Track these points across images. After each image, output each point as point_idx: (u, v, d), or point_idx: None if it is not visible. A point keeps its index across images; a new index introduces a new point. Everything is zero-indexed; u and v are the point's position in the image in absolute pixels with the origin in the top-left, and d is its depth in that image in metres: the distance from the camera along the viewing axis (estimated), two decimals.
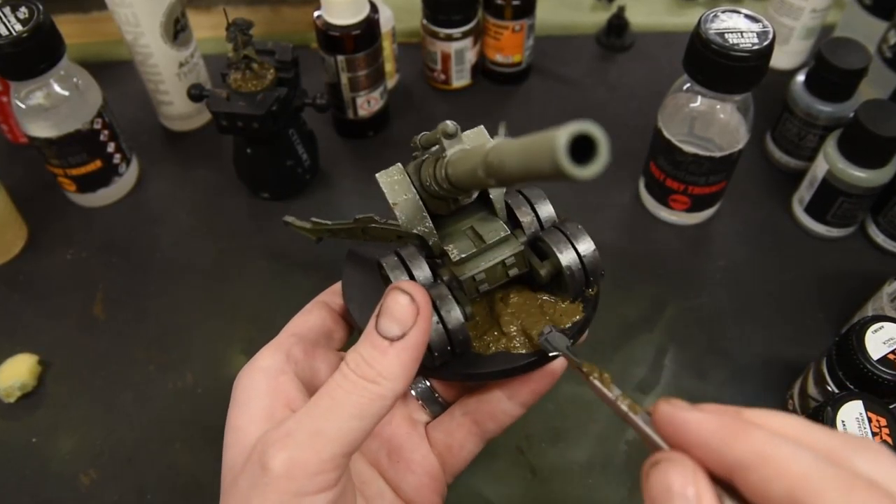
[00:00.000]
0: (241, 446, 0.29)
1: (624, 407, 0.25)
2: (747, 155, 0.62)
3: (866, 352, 0.44)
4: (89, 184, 0.62)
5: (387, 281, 0.32)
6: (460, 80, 0.72)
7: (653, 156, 0.60)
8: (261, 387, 0.30)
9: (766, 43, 0.49)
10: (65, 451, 0.51)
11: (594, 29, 0.78)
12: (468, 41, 0.68)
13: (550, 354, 0.31)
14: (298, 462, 0.26)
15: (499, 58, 0.71)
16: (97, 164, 0.61)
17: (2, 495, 0.49)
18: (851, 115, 0.55)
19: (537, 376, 0.34)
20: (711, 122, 0.56)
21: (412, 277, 0.32)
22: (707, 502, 0.21)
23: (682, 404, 0.23)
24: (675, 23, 0.78)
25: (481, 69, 0.73)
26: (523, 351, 0.33)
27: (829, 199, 0.58)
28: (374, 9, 0.61)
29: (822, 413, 0.41)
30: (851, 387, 0.45)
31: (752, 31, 0.50)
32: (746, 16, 0.51)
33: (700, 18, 0.51)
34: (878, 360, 0.44)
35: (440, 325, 0.30)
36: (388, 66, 0.68)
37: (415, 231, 0.32)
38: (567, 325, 0.33)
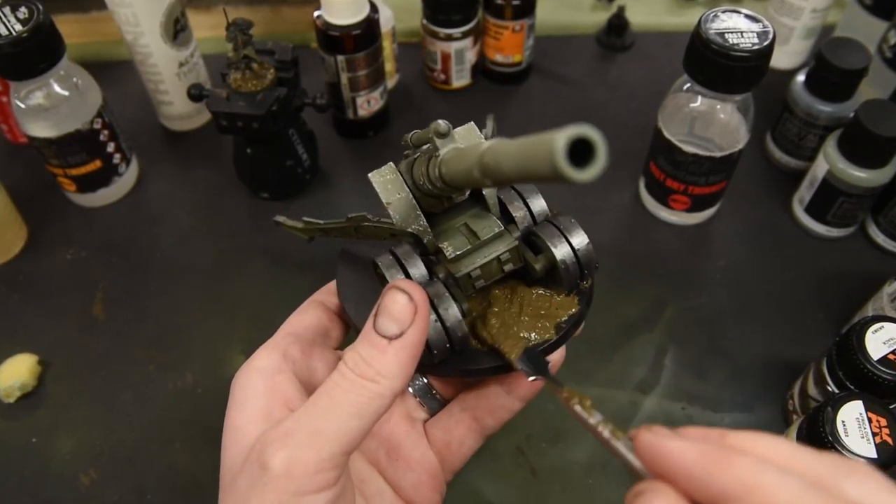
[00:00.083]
0: (239, 446, 0.29)
1: (606, 433, 0.25)
2: (747, 155, 0.62)
3: (866, 352, 0.44)
4: (89, 184, 0.62)
5: (382, 280, 0.32)
6: (460, 79, 0.72)
7: (653, 156, 0.60)
8: (258, 386, 0.30)
9: (766, 43, 0.49)
10: (65, 451, 0.51)
11: (594, 29, 0.78)
12: (468, 41, 0.68)
13: (530, 379, 0.31)
14: (298, 461, 0.26)
15: (499, 58, 0.71)
16: (97, 164, 0.61)
17: (2, 495, 0.49)
18: (852, 115, 0.55)
19: None
20: (711, 122, 0.56)
21: (408, 276, 0.32)
22: None
23: (663, 432, 0.22)
24: (675, 23, 0.78)
25: (481, 69, 0.73)
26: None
27: (829, 199, 0.58)
28: (374, 9, 0.61)
29: (823, 413, 0.41)
30: (851, 387, 0.45)
31: (752, 31, 0.50)
32: (746, 16, 0.51)
33: (700, 18, 0.51)
34: (879, 361, 0.44)
35: (438, 323, 0.30)
36: (388, 66, 0.68)
37: (409, 229, 0.33)
38: (563, 319, 0.33)
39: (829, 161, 0.57)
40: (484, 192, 0.34)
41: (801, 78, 0.62)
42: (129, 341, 0.56)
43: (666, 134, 0.56)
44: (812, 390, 0.48)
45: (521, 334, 0.33)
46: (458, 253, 0.32)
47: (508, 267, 0.33)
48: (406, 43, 0.75)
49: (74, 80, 0.58)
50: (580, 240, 0.32)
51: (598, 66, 0.75)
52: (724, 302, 0.58)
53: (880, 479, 0.20)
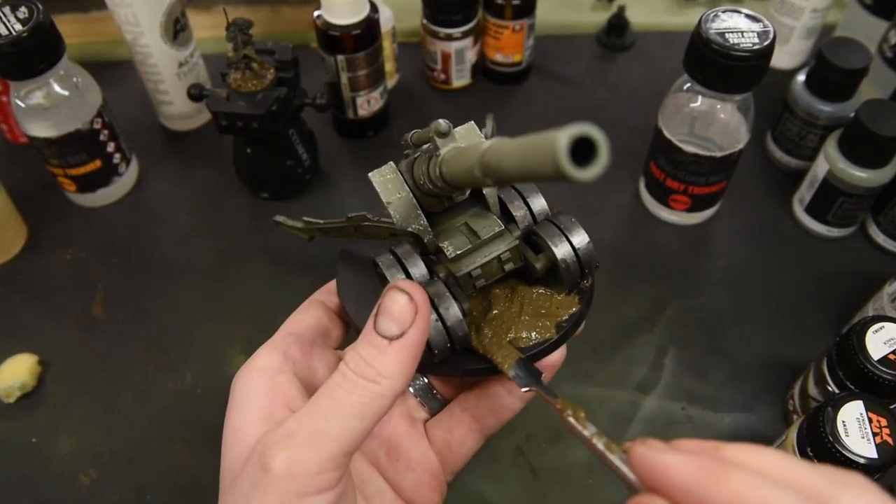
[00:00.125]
0: (240, 447, 0.29)
1: (600, 446, 0.24)
2: (748, 155, 0.62)
3: (867, 352, 0.44)
4: (89, 184, 0.62)
5: (382, 279, 0.32)
6: (460, 79, 0.72)
7: (653, 156, 0.60)
8: (259, 386, 0.30)
9: (766, 43, 0.49)
10: (65, 451, 0.51)
11: (594, 29, 0.78)
12: (468, 41, 0.68)
13: (522, 390, 0.31)
14: (299, 462, 0.26)
15: (499, 57, 0.71)
16: (97, 163, 0.61)
17: (2, 495, 0.49)
18: (852, 114, 0.55)
19: None
20: (712, 122, 0.56)
21: (408, 275, 0.32)
22: None
23: (658, 445, 0.22)
24: (675, 22, 0.78)
25: (481, 69, 0.73)
26: (522, 345, 0.33)
27: (829, 198, 0.58)
28: (374, 8, 0.61)
29: (823, 413, 0.41)
30: (852, 387, 0.45)
31: (752, 31, 0.50)
32: (747, 15, 0.51)
33: (700, 18, 0.51)
34: (879, 361, 0.44)
35: (439, 323, 0.30)
36: (388, 66, 0.68)
37: (409, 229, 0.33)
38: (563, 318, 0.33)
39: (829, 161, 0.57)
40: (484, 192, 0.33)
41: (801, 78, 0.62)
42: (128, 341, 0.56)
43: (666, 134, 0.56)
44: (812, 390, 0.48)
45: (522, 334, 0.33)
46: (458, 252, 0.32)
47: (509, 266, 0.33)
48: (406, 43, 0.75)
49: (74, 79, 0.58)
50: (580, 239, 0.32)
51: (598, 66, 0.75)
52: (724, 302, 0.58)
53: (877, 491, 0.20)
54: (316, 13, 0.61)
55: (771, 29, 0.50)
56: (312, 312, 0.35)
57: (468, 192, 0.34)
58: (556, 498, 0.49)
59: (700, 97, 0.54)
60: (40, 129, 0.57)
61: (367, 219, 0.36)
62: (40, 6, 0.53)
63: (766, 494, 0.19)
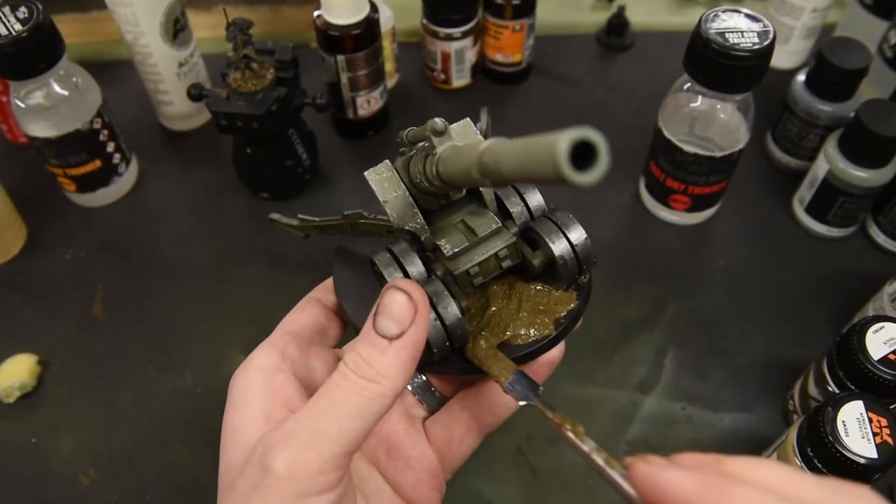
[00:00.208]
0: (239, 447, 0.28)
1: (600, 461, 0.24)
2: (748, 155, 0.62)
3: (867, 352, 0.44)
4: (89, 184, 0.62)
5: (380, 278, 0.32)
6: (460, 79, 0.72)
7: (653, 156, 0.60)
8: (257, 386, 0.30)
9: (766, 42, 0.49)
10: (65, 451, 0.51)
11: (594, 28, 0.78)
12: (468, 41, 0.68)
13: (520, 403, 0.30)
14: (300, 462, 0.26)
15: (499, 57, 0.71)
16: (97, 163, 0.61)
17: (2, 495, 0.49)
18: (852, 114, 0.55)
19: (535, 366, 0.34)
20: (712, 122, 0.56)
21: (406, 274, 0.32)
22: None
23: (659, 461, 0.22)
24: (675, 22, 0.78)
25: (481, 69, 0.73)
26: (520, 342, 0.33)
27: (829, 198, 0.58)
28: (374, 8, 0.61)
29: (823, 413, 0.41)
30: (852, 387, 0.45)
31: (752, 31, 0.49)
32: (747, 15, 0.51)
33: (700, 18, 0.51)
34: (879, 361, 0.44)
35: (438, 322, 0.30)
36: (388, 66, 0.68)
37: (406, 227, 0.32)
38: (562, 314, 0.33)
39: (829, 161, 0.57)
40: (481, 189, 0.33)
41: (801, 78, 0.62)
42: (128, 341, 0.56)
43: (666, 134, 0.56)
44: (812, 390, 0.48)
45: (520, 330, 0.33)
46: (456, 250, 0.32)
47: (506, 263, 0.33)
48: (406, 43, 0.75)
49: (74, 79, 0.58)
50: (578, 235, 0.32)
51: (598, 66, 0.75)
52: (724, 302, 0.58)
53: (880, 502, 0.20)
54: (316, 13, 0.61)
55: (771, 29, 0.50)
56: (310, 311, 0.35)
57: (464, 189, 0.34)
58: (556, 498, 0.49)
59: (700, 97, 0.54)
60: (40, 129, 0.57)
61: (364, 216, 0.36)
62: (40, 6, 0.53)
63: None
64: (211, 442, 0.30)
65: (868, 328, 0.45)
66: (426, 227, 0.33)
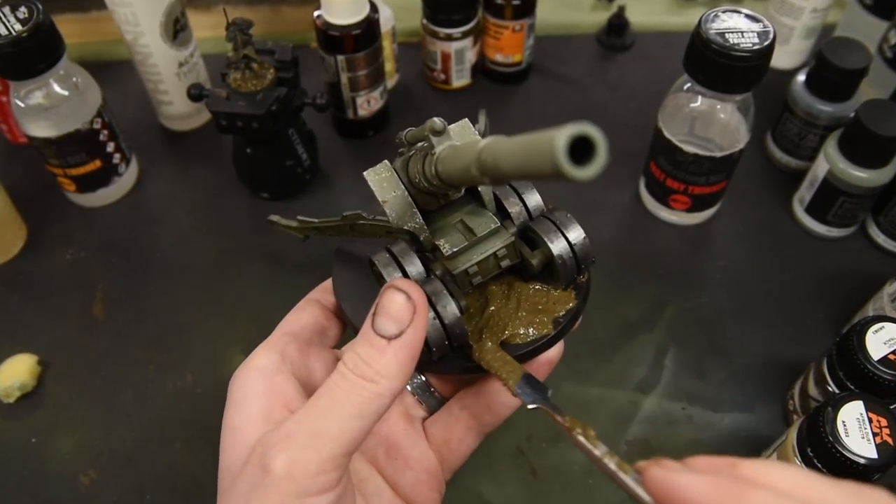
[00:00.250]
0: (238, 447, 0.28)
1: (612, 466, 0.24)
2: (748, 155, 0.62)
3: (867, 352, 0.44)
4: (89, 184, 0.62)
5: (379, 278, 0.32)
6: (460, 79, 0.72)
7: (653, 156, 0.60)
8: (257, 386, 0.30)
9: (766, 43, 0.49)
10: (65, 451, 0.51)
11: (594, 29, 0.78)
12: (468, 41, 0.68)
13: (529, 407, 0.30)
14: (299, 463, 0.26)
15: (499, 57, 0.71)
16: (97, 163, 0.61)
17: (2, 495, 0.49)
18: (852, 114, 0.55)
19: (534, 366, 0.34)
20: (712, 122, 0.56)
21: (405, 274, 0.32)
22: None
23: (673, 466, 0.22)
24: (675, 22, 0.78)
25: (481, 69, 0.73)
26: (519, 342, 0.33)
27: (829, 198, 0.58)
28: (374, 8, 0.61)
29: (823, 413, 0.41)
30: (852, 387, 0.45)
31: (752, 31, 0.49)
32: (747, 15, 0.51)
33: (700, 18, 0.51)
34: (879, 361, 0.44)
35: (437, 321, 0.30)
36: (388, 66, 0.68)
37: (405, 227, 0.32)
38: (561, 313, 0.33)
39: (829, 161, 0.57)
40: (479, 188, 0.33)
41: (801, 78, 0.62)
42: (128, 341, 0.56)
43: (666, 134, 0.56)
44: (812, 390, 0.48)
45: (519, 330, 0.33)
46: (454, 250, 0.32)
47: (505, 263, 0.33)
48: (406, 43, 0.75)
49: (74, 79, 0.58)
50: (576, 234, 0.32)
51: (598, 66, 0.75)
52: (724, 302, 0.58)
53: None
54: (316, 13, 0.61)
55: (771, 29, 0.50)
56: (309, 311, 0.35)
57: (463, 189, 0.34)
58: (556, 498, 0.49)
59: (700, 97, 0.54)
60: (40, 129, 0.57)
61: (363, 217, 0.36)
62: (40, 6, 0.53)
63: None
64: (211, 442, 0.30)
65: (868, 328, 0.45)
66: (425, 226, 0.33)
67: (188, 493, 0.49)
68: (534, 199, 0.34)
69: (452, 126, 0.33)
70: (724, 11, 0.51)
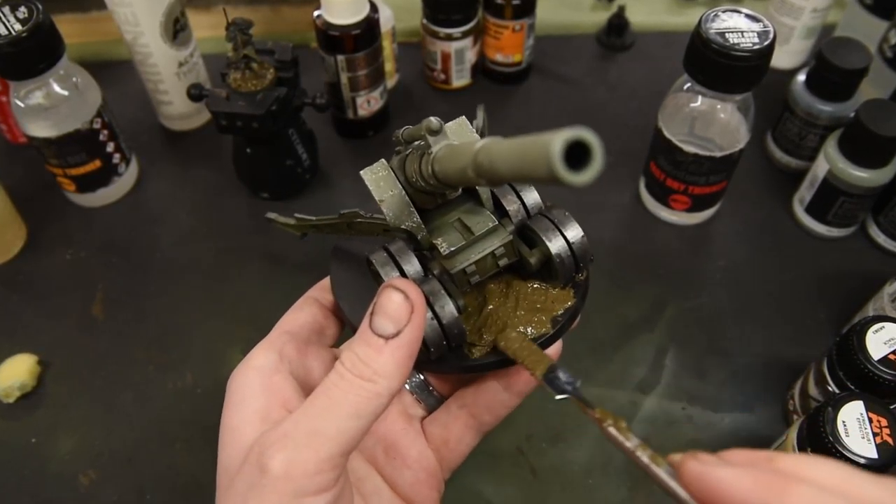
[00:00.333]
0: (236, 447, 0.28)
1: (645, 459, 0.23)
2: (748, 155, 0.62)
3: (867, 352, 0.44)
4: (89, 184, 0.62)
5: (376, 277, 0.32)
6: (460, 79, 0.72)
7: (653, 156, 0.60)
8: (255, 386, 0.30)
9: (766, 42, 0.49)
10: (64, 452, 0.51)
11: (594, 28, 0.78)
12: (468, 41, 0.68)
13: (557, 398, 0.29)
14: (297, 462, 0.26)
15: (499, 57, 0.71)
16: (97, 163, 0.61)
17: (2, 495, 0.49)
18: (852, 114, 0.55)
19: None
20: (712, 122, 0.55)
21: (402, 273, 0.31)
22: None
23: (710, 459, 0.21)
24: (675, 22, 0.78)
25: (481, 69, 0.73)
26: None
27: (829, 198, 0.58)
28: (374, 8, 0.61)
29: (823, 413, 0.41)
30: (852, 387, 0.45)
31: (752, 31, 0.49)
32: (747, 15, 0.51)
33: (700, 18, 0.51)
34: (879, 361, 0.44)
35: (434, 321, 0.30)
36: (388, 66, 0.68)
37: (403, 226, 0.32)
38: (559, 312, 0.33)
39: (829, 161, 0.56)
40: (477, 187, 0.33)
41: (801, 78, 0.62)
42: (128, 341, 0.56)
43: (666, 134, 0.56)
44: (812, 390, 0.48)
45: (518, 329, 0.33)
46: (452, 249, 0.32)
47: (503, 261, 0.33)
48: (406, 43, 0.75)
49: (74, 79, 0.58)
50: (575, 233, 0.32)
51: (598, 66, 0.75)
52: (724, 302, 0.58)
53: None
54: (316, 13, 0.61)
55: (771, 29, 0.50)
56: (307, 310, 0.35)
57: (461, 188, 0.34)
58: (556, 498, 0.49)
59: (700, 97, 0.54)
60: (40, 129, 0.58)
61: (360, 215, 0.36)
62: (40, 6, 0.53)
63: None
64: (211, 442, 0.30)
65: (868, 328, 0.45)
66: (422, 225, 0.33)
67: (188, 493, 0.49)
68: (532, 197, 0.34)
69: (449, 124, 0.33)
70: (724, 11, 0.51)
